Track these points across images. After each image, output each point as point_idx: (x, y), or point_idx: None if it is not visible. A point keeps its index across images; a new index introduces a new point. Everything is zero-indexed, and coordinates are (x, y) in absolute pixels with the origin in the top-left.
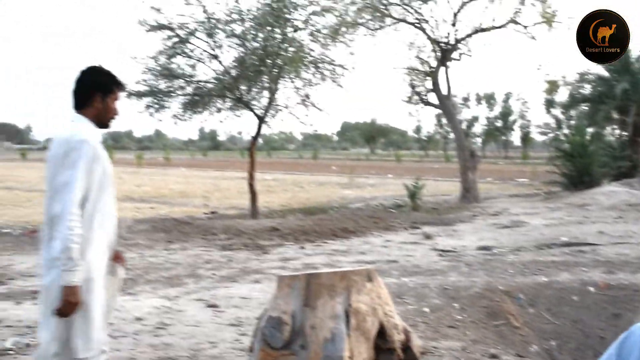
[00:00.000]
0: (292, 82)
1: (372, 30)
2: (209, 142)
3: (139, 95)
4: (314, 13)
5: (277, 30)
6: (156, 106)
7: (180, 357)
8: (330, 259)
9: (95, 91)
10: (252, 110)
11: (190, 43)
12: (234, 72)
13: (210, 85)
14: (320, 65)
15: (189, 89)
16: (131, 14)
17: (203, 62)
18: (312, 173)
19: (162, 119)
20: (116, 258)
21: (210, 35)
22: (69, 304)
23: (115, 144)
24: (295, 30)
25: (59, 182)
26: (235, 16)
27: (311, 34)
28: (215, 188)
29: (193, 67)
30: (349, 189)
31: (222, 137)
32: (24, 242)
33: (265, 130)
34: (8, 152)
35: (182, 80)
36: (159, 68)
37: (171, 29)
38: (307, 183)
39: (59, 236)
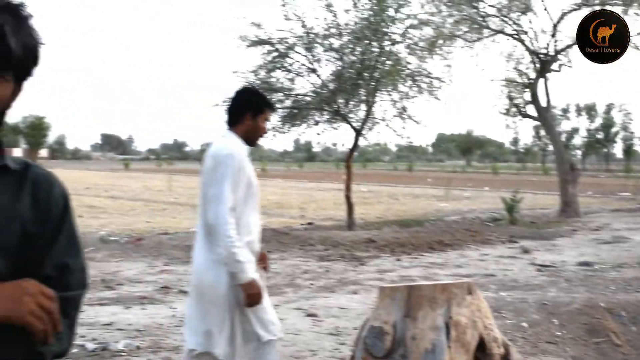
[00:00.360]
0: (389, 94)
1: (470, 42)
2: (304, 154)
3: None
4: (412, 26)
5: (375, 43)
6: None
7: None
8: (427, 271)
9: (246, 110)
10: (349, 123)
11: (289, 57)
12: (331, 86)
13: (308, 99)
14: (417, 78)
15: (288, 103)
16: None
17: (302, 76)
18: (407, 185)
19: None
20: (260, 261)
21: (308, 49)
22: (253, 296)
23: None
24: (392, 44)
25: (211, 194)
26: (333, 30)
27: (408, 47)
28: (311, 199)
29: (292, 80)
30: (445, 201)
31: (317, 148)
32: (130, 250)
33: (360, 142)
34: (111, 162)
35: (281, 94)
36: (258, 82)
37: (271, 44)
38: (403, 195)
39: (221, 244)
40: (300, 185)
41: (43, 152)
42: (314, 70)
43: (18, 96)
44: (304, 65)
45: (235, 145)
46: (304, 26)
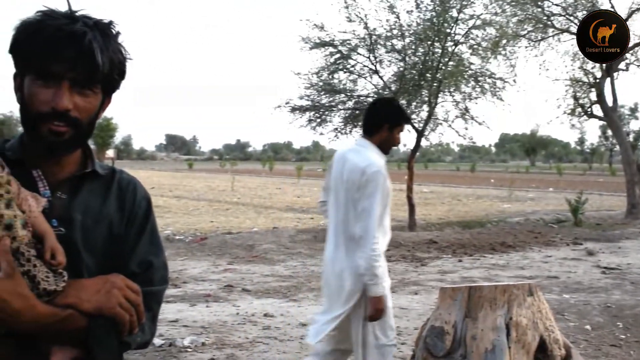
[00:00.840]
0: (452, 95)
1: (534, 41)
2: None
3: (302, 110)
4: (475, 26)
5: (437, 44)
6: (318, 120)
7: None
8: (488, 273)
9: (384, 122)
10: (411, 123)
11: (351, 59)
12: (394, 87)
13: (370, 100)
14: (480, 78)
15: (350, 104)
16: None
17: (364, 77)
18: (469, 186)
19: (324, 133)
20: None
21: (371, 50)
22: (378, 311)
23: (275, 155)
24: (455, 44)
25: (361, 208)
26: (395, 32)
27: (471, 48)
28: None
29: (354, 82)
30: (508, 202)
31: None
32: (195, 249)
33: (422, 142)
34: (176, 162)
35: (344, 95)
36: (321, 84)
37: (334, 46)
38: (465, 196)
39: (364, 256)
40: None
41: (110, 153)
42: (376, 72)
43: (107, 107)
44: (366, 66)
45: (379, 159)
46: (366, 28)
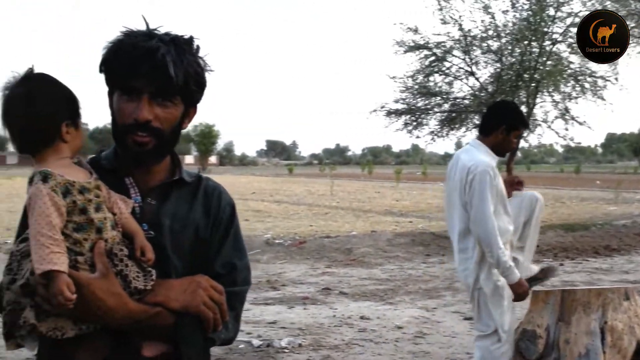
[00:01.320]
0: (551, 96)
1: (637, 38)
2: None
3: (398, 113)
4: (573, 24)
5: (535, 44)
6: (414, 123)
7: None
8: (590, 277)
9: (502, 123)
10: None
11: (447, 61)
12: (490, 88)
13: (467, 102)
14: (580, 77)
15: (446, 106)
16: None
17: (460, 79)
18: (574, 188)
19: (420, 136)
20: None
21: (466, 52)
22: (519, 295)
23: (375, 159)
24: (553, 43)
25: (474, 211)
26: (491, 32)
27: (570, 46)
28: None
29: (450, 84)
30: (615, 204)
31: None
32: (294, 252)
33: (523, 143)
34: (276, 167)
35: (439, 98)
36: (416, 87)
37: (428, 49)
38: (569, 198)
39: (492, 255)
40: None
41: (212, 159)
42: (472, 73)
43: (191, 118)
44: (461, 68)
45: (487, 159)
46: (461, 29)
